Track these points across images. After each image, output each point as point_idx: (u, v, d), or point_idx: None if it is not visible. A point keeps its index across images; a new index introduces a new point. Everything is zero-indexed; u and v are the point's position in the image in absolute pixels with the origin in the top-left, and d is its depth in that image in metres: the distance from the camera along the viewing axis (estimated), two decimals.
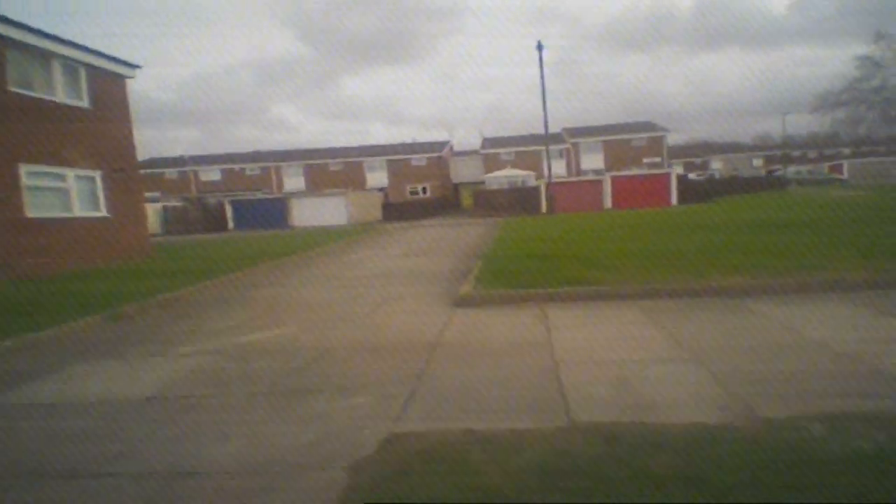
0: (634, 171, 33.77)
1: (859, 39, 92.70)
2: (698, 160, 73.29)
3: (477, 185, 41.22)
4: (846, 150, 67.34)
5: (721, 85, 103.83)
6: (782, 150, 70.70)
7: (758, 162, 73.24)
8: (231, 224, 31.14)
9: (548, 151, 25.25)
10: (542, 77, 23.34)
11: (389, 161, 46.36)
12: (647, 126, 46.48)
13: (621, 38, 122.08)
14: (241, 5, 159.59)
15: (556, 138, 46.50)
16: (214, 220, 31.79)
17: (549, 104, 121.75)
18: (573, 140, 45.05)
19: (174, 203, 33.89)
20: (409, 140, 54.65)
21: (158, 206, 31.93)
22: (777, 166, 63.84)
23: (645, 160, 43.02)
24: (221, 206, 31.74)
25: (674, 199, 29.52)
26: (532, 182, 35.99)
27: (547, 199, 22.32)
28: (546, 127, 24.28)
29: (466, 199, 41.32)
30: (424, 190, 45.69)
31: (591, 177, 32.59)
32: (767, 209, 17.66)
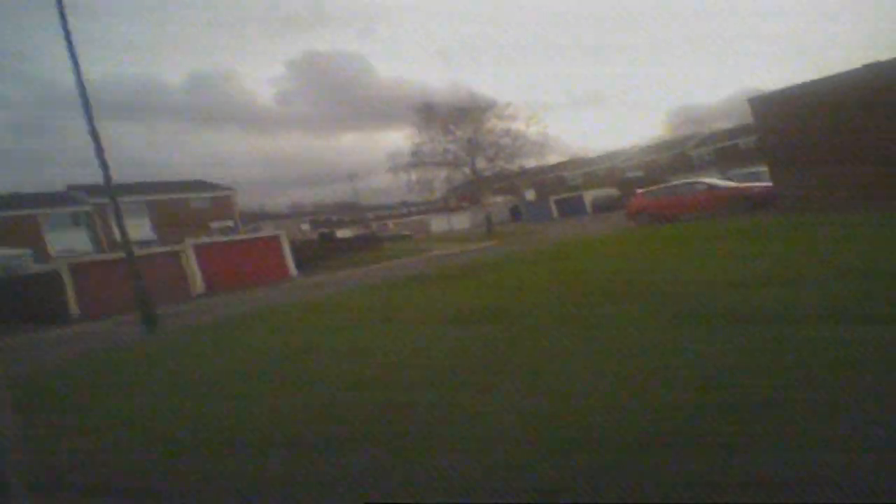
0: (231, 237, 23.88)
1: (340, 130, 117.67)
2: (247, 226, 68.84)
3: None
4: (370, 214, 79.72)
5: (230, 159, 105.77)
6: (320, 215, 76.12)
7: (305, 226, 75.90)
8: None
9: (118, 204, 10.34)
10: (65, 31, 9.91)
11: None
12: (206, 185, 36.94)
13: (106, 104, 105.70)
14: None
15: (58, 198, 29.58)
16: None
17: (11, 171, 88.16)
18: (95, 201, 29.58)
19: None
20: None
21: None
22: (324, 229, 67.60)
23: (214, 224, 33.17)
24: None
25: (292, 270, 21.75)
26: (30, 266, 19.45)
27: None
28: (105, 166, 10.47)
29: None
30: None
31: (161, 249, 20.25)
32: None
